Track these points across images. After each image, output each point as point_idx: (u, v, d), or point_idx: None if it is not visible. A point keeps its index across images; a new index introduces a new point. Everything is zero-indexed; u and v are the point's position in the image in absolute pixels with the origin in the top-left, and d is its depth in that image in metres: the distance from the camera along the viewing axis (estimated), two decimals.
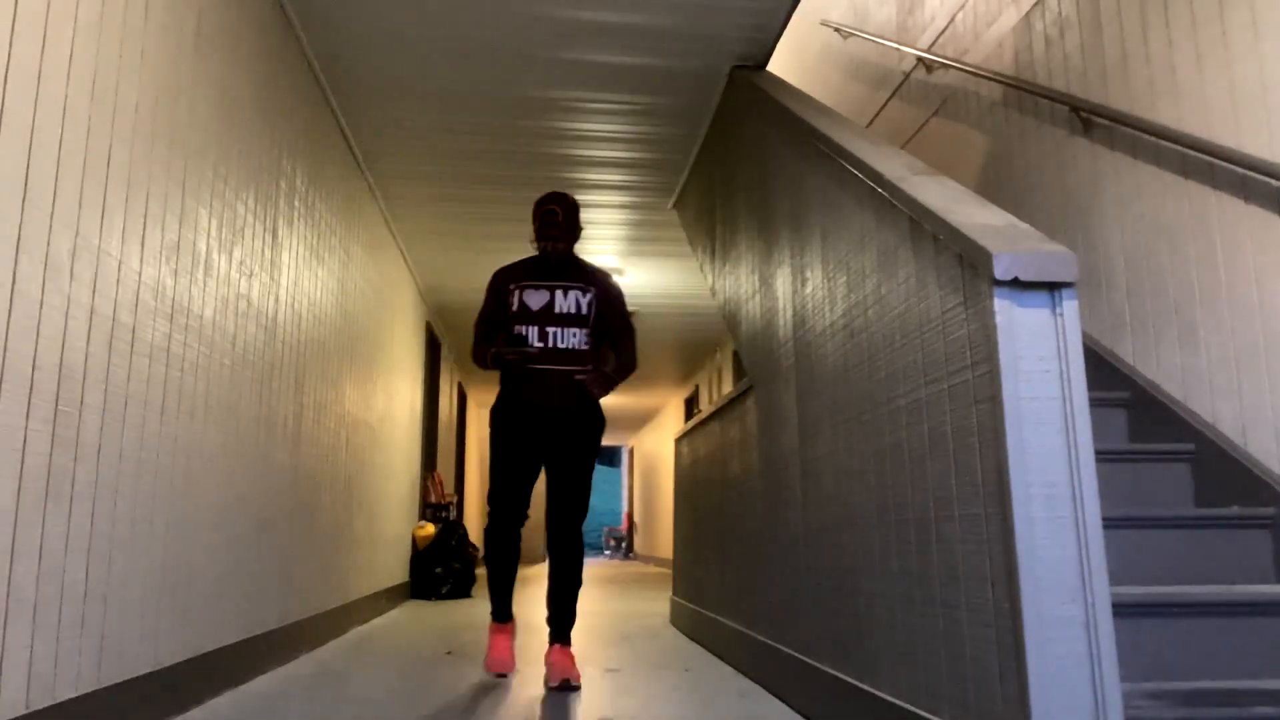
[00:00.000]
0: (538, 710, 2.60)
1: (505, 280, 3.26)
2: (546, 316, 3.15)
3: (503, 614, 3.23)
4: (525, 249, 6.74)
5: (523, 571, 11.29)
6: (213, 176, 2.69)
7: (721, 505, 3.87)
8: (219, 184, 2.74)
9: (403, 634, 4.43)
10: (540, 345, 3.11)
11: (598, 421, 3.20)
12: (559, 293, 3.19)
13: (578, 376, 3.14)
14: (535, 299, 3.18)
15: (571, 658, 3.02)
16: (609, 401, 13.35)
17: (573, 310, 3.18)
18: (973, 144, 3.96)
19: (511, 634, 3.22)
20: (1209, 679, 1.81)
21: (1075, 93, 3.24)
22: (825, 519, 2.47)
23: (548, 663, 3.01)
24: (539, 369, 3.11)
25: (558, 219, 3.19)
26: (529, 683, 3.02)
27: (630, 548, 18.00)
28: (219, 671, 2.76)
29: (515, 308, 3.18)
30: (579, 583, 3.17)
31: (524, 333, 3.13)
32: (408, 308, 6.60)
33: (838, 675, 2.29)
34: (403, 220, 5.68)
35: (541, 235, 3.20)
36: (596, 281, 3.27)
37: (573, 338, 3.16)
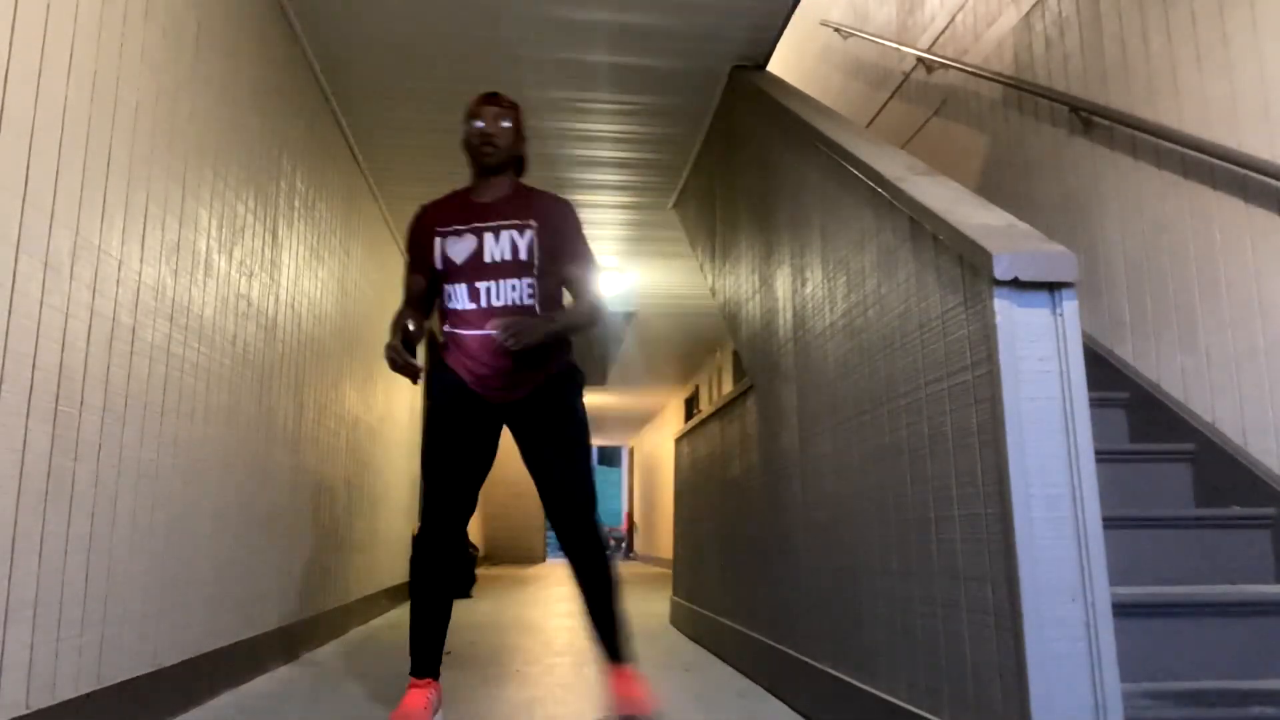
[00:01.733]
0: (537, 710, 2.59)
1: (428, 221, 2.55)
2: (475, 269, 2.44)
3: (421, 667, 2.37)
4: None
5: (521, 572, 11.30)
6: (213, 176, 2.69)
7: (721, 505, 3.87)
8: (219, 184, 2.74)
9: (403, 634, 4.43)
10: (472, 306, 2.42)
11: (571, 389, 2.51)
12: (488, 236, 2.45)
13: (536, 355, 2.42)
14: (460, 248, 2.46)
15: (636, 680, 2.40)
16: (608, 401, 13.35)
17: (507, 256, 2.43)
18: (973, 144, 3.96)
19: (430, 697, 2.35)
20: (1209, 679, 1.81)
21: (1075, 93, 3.24)
22: (825, 519, 2.47)
23: (610, 692, 2.42)
24: (473, 337, 2.42)
25: (486, 128, 2.47)
26: (530, 683, 3.02)
27: (630, 548, 18.00)
28: (219, 672, 2.76)
29: (439, 263, 2.47)
30: (612, 582, 2.45)
31: (451, 293, 2.45)
32: None
33: (838, 675, 2.29)
34: (403, 220, 5.68)
35: (468, 149, 2.51)
36: (536, 209, 2.50)
37: (511, 291, 2.42)
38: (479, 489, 2.47)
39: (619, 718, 2.30)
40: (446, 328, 2.49)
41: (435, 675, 2.39)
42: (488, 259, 2.44)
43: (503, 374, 2.42)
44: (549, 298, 2.48)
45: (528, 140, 2.63)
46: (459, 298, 2.44)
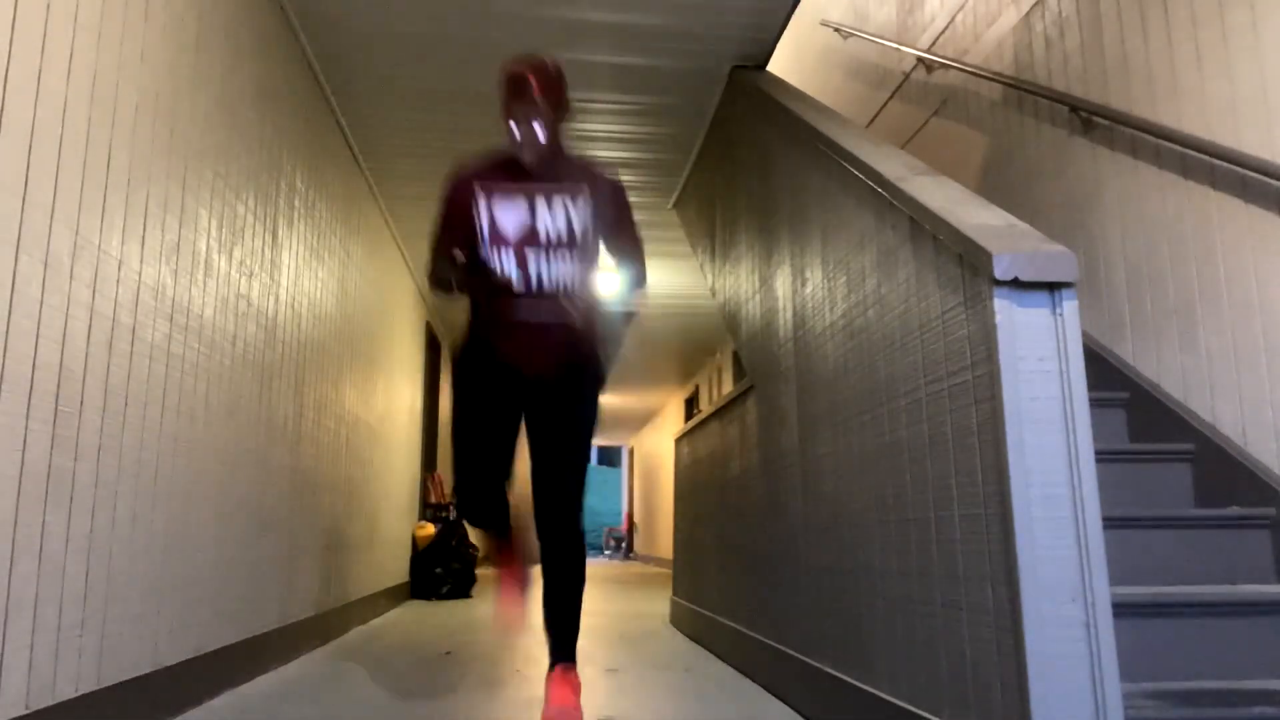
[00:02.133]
0: (537, 710, 2.59)
1: (470, 178, 2.36)
2: (529, 238, 2.30)
3: (502, 530, 2.49)
4: None
5: None
6: (213, 176, 2.69)
7: (721, 505, 3.87)
8: (219, 184, 2.74)
9: (403, 634, 4.43)
10: (519, 277, 2.30)
11: (593, 380, 2.44)
12: (541, 202, 2.31)
13: (567, 320, 2.33)
14: (510, 214, 2.31)
15: (574, 686, 2.31)
16: (608, 401, 13.36)
17: (562, 228, 2.31)
18: (973, 144, 3.96)
19: (518, 572, 2.52)
20: (1209, 679, 1.81)
21: (1075, 93, 3.24)
22: (825, 519, 2.47)
23: (546, 692, 2.33)
24: (518, 320, 2.33)
25: (529, 87, 2.24)
26: (530, 683, 3.02)
27: (630, 548, 18.00)
28: (219, 672, 2.76)
29: (485, 226, 2.31)
30: (581, 580, 2.40)
31: (498, 264, 2.30)
32: (408, 308, 6.60)
33: (838, 675, 2.29)
34: (403, 220, 5.68)
35: (511, 114, 2.26)
36: (594, 183, 2.36)
37: (562, 266, 2.31)
38: (512, 458, 2.42)
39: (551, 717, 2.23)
40: (486, 297, 2.35)
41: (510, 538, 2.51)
42: (540, 227, 2.30)
43: (541, 353, 2.36)
44: (590, 277, 2.39)
45: (569, 105, 2.40)
46: (506, 266, 2.30)
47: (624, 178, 5.00)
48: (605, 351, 2.46)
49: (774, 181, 3.09)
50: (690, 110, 4.20)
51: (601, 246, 2.44)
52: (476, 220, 2.32)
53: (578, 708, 2.26)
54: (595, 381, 2.45)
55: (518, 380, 2.39)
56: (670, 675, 3.22)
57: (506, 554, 2.51)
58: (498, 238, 2.31)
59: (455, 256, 2.30)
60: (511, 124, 2.28)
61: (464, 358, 2.43)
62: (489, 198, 2.32)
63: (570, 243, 2.32)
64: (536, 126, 2.27)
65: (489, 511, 2.43)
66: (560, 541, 2.37)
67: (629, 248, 2.46)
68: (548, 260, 2.31)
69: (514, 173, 2.35)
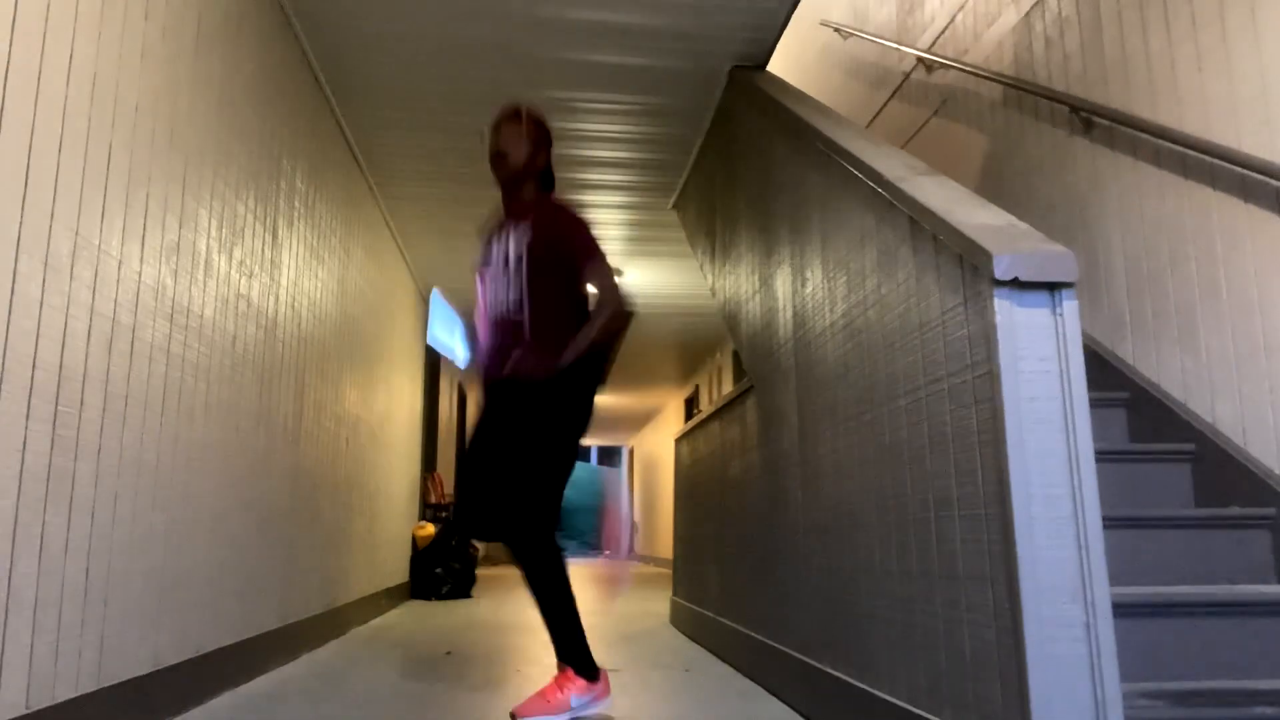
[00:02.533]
0: None
1: (485, 228, 2.83)
2: (486, 269, 2.68)
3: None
4: None
5: (519, 572, 11.29)
6: (213, 176, 2.69)
7: (721, 505, 3.87)
8: (219, 184, 2.74)
9: (403, 634, 4.43)
10: (480, 303, 2.65)
11: (531, 390, 2.51)
12: (497, 242, 2.66)
13: (513, 335, 2.58)
14: (486, 253, 2.71)
15: (543, 691, 2.45)
16: (608, 401, 13.35)
17: (502, 261, 2.61)
18: (973, 144, 3.96)
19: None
20: (1209, 679, 1.81)
21: (1075, 93, 3.24)
22: (825, 519, 2.47)
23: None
24: (486, 340, 2.66)
25: (489, 146, 2.67)
26: (530, 683, 3.02)
27: (630, 548, 17.99)
28: (218, 672, 2.76)
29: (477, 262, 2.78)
30: (540, 589, 2.54)
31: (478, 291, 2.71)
32: (408, 308, 6.60)
33: (838, 675, 2.29)
34: (403, 220, 5.68)
35: (493, 173, 2.71)
36: (536, 217, 2.61)
37: (505, 291, 2.58)
38: (502, 466, 2.49)
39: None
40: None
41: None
42: (493, 260, 2.64)
43: (493, 367, 2.62)
44: (543, 304, 2.54)
45: (546, 150, 2.72)
46: (477, 291, 2.71)
47: (624, 178, 5.01)
48: (552, 363, 2.52)
49: (774, 181, 3.09)
50: (690, 110, 4.20)
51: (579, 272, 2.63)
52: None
53: (535, 701, 2.41)
54: (530, 389, 2.51)
55: (490, 389, 2.64)
56: (670, 675, 3.22)
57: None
58: (478, 270, 2.72)
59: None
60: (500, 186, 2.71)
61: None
62: (483, 243, 2.74)
63: (505, 273, 2.60)
64: (501, 175, 2.67)
65: (480, 519, 2.56)
66: (517, 556, 2.56)
67: (589, 277, 2.59)
68: (494, 288, 2.63)
69: (504, 218, 2.73)
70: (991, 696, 1.57)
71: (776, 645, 2.87)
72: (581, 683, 2.45)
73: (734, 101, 3.82)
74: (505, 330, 2.57)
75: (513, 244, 2.59)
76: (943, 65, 4.20)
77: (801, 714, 2.55)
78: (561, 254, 2.57)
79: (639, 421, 16.05)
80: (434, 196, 5.30)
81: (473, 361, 2.64)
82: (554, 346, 2.52)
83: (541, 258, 2.55)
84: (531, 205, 2.66)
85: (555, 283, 2.57)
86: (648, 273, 6.91)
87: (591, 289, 2.63)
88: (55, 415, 1.87)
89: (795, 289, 2.81)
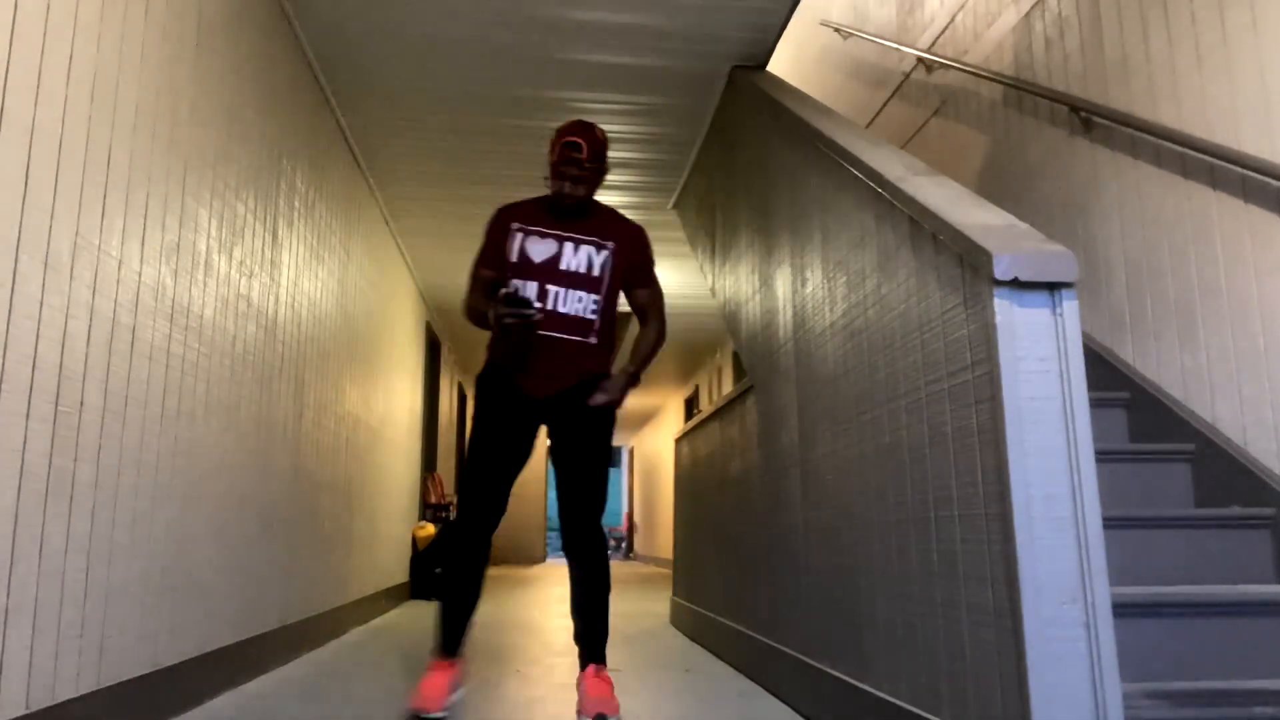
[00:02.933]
0: (537, 710, 2.60)
1: (508, 220, 2.66)
2: (550, 272, 2.57)
3: (452, 646, 2.53)
4: None
5: (521, 572, 11.30)
6: (213, 176, 2.69)
7: (721, 505, 3.87)
8: (219, 184, 2.74)
9: (403, 634, 4.43)
10: (539, 306, 2.51)
11: (606, 407, 2.65)
12: (568, 245, 2.60)
13: (583, 359, 2.60)
14: (540, 249, 2.60)
15: (609, 684, 2.48)
16: None
17: (581, 269, 2.59)
18: (973, 144, 3.96)
19: (455, 674, 2.52)
20: (1209, 679, 1.81)
21: (1075, 93, 3.24)
22: (825, 519, 2.47)
23: (580, 690, 2.50)
24: (535, 339, 2.56)
25: (581, 155, 2.56)
26: (530, 683, 3.02)
27: (630, 548, 18.00)
28: (218, 672, 2.76)
29: (515, 257, 2.60)
30: (607, 586, 2.60)
31: (520, 289, 2.54)
32: (408, 308, 6.60)
33: (838, 675, 2.29)
34: (403, 220, 5.68)
35: (557, 173, 2.59)
36: (618, 232, 2.66)
37: (578, 303, 2.57)
38: (513, 485, 2.59)
39: (593, 716, 2.36)
40: (518, 327, 2.54)
41: (460, 653, 2.55)
42: (563, 266, 2.58)
43: (554, 380, 2.57)
44: (608, 317, 2.64)
45: (607, 168, 2.74)
46: (527, 293, 2.55)
47: (624, 178, 5.00)
48: (612, 388, 2.63)
49: (774, 181, 3.09)
50: (690, 110, 4.20)
51: (621, 297, 2.71)
52: (508, 251, 2.60)
53: (614, 698, 2.43)
54: (610, 411, 2.64)
55: (530, 406, 2.58)
56: (670, 675, 3.22)
57: (444, 666, 2.50)
58: (524, 268, 2.58)
59: (507, 285, 2.55)
60: (558, 180, 2.58)
61: (483, 385, 2.63)
62: (524, 234, 2.61)
63: (587, 283, 2.59)
64: (580, 189, 2.59)
65: (480, 543, 2.54)
66: (585, 546, 2.56)
67: (646, 302, 2.72)
68: (565, 294, 2.57)
69: (550, 218, 2.64)
70: (991, 696, 1.57)
71: (776, 645, 2.87)
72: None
73: (734, 101, 3.82)
74: (567, 341, 2.57)
75: (595, 256, 2.60)
76: (943, 65, 4.20)
77: (801, 714, 2.55)
78: (633, 273, 2.67)
79: (639, 421, 16.05)
80: (434, 196, 5.30)
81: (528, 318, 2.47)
82: (609, 362, 2.67)
83: (619, 277, 2.63)
84: (609, 219, 2.68)
85: (616, 299, 2.67)
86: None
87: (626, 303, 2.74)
88: (55, 415, 1.87)
89: (795, 289, 2.81)
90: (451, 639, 2.53)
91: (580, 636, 2.58)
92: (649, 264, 2.72)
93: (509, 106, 4.17)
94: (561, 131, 2.59)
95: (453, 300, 7.53)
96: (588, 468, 2.58)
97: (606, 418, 2.62)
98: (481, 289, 2.65)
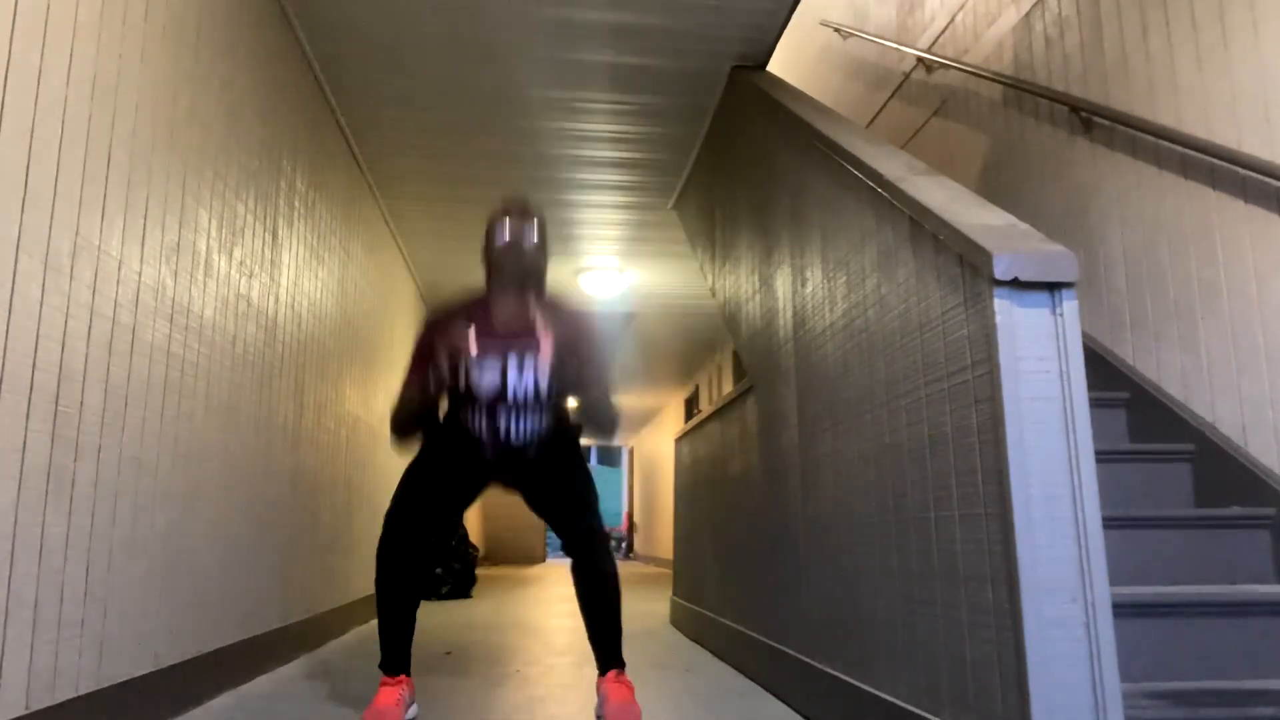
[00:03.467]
0: (538, 710, 2.60)
1: (448, 337, 2.40)
2: (500, 397, 2.40)
3: (395, 663, 2.44)
4: None
5: (521, 572, 11.30)
6: (213, 176, 2.69)
7: (721, 505, 3.87)
8: (219, 184, 2.74)
9: None
10: (487, 434, 2.43)
11: (568, 441, 2.59)
12: (512, 364, 2.38)
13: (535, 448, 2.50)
14: (485, 376, 2.38)
15: (630, 688, 2.40)
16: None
17: (530, 390, 2.40)
18: (972, 144, 3.96)
19: (402, 694, 2.40)
20: (1209, 679, 1.81)
21: (1075, 93, 3.24)
22: (825, 519, 2.47)
23: (601, 695, 2.41)
24: (488, 455, 2.49)
25: (521, 245, 2.33)
26: (530, 683, 3.02)
27: (630, 548, 18.00)
28: (219, 672, 2.76)
29: (464, 385, 2.39)
30: (614, 584, 2.46)
31: (470, 418, 2.43)
32: (408, 308, 6.60)
33: (838, 675, 2.29)
34: (403, 220, 5.68)
35: (498, 268, 2.34)
36: (560, 330, 2.42)
37: (531, 423, 2.45)
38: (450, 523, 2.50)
39: None
40: (453, 427, 2.50)
41: (406, 671, 2.47)
42: (511, 393, 2.40)
43: (511, 469, 2.53)
44: (560, 414, 2.54)
45: (549, 252, 2.51)
46: (476, 423, 2.44)
47: (624, 178, 5.00)
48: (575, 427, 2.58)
49: (774, 181, 3.09)
50: (690, 110, 4.20)
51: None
52: (458, 377, 2.40)
53: (637, 705, 2.36)
54: (572, 439, 2.59)
55: (485, 464, 2.51)
56: (670, 675, 3.22)
57: (394, 686, 2.42)
58: (470, 397, 2.41)
59: (435, 385, 2.41)
60: (496, 283, 2.35)
61: (428, 448, 2.56)
62: (466, 355, 2.38)
63: (537, 401, 2.43)
64: (527, 297, 2.37)
65: (412, 554, 2.46)
66: (591, 567, 2.47)
67: (595, 393, 2.48)
68: (517, 417, 2.43)
69: (488, 324, 2.41)
70: (991, 696, 1.57)
71: (776, 645, 2.87)
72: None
73: (734, 101, 3.82)
74: (519, 451, 2.48)
75: (540, 374, 2.39)
76: (943, 65, 4.20)
77: (801, 714, 2.55)
78: (579, 367, 2.45)
79: (639, 421, 16.04)
80: (434, 196, 5.30)
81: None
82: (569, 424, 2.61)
83: (566, 372, 2.42)
84: (550, 313, 2.43)
85: (569, 390, 2.51)
86: (648, 273, 6.90)
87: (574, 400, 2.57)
88: (55, 415, 1.87)
89: (795, 289, 2.81)
90: (395, 656, 2.45)
91: (596, 640, 2.49)
92: (594, 354, 2.47)
93: (509, 106, 4.17)
94: (495, 216, 2.36)
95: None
96: (567, 491, 2.51)
97: (578, 461, 2.56)
98: (420, 397, 2.48)
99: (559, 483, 2.52)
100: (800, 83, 6.41)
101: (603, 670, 2.46)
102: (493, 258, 2.35)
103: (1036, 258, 1.56)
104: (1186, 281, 2.66)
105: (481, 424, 2.42)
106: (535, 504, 2.59)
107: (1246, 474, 2.35)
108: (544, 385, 2.41)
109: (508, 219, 2.34)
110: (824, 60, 6.12)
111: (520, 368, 2.39)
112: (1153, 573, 2.19)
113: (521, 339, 2.39)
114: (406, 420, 2.50)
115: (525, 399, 2.41)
